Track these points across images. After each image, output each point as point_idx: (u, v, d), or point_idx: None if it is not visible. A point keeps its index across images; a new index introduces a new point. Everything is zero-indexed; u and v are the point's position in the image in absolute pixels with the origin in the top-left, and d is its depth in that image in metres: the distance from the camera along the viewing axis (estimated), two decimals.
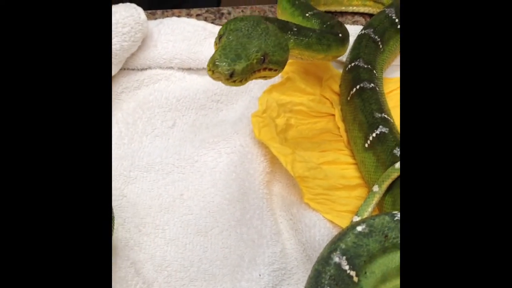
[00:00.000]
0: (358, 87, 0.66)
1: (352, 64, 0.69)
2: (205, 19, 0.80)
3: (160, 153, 0.63)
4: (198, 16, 0.81)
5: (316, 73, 0.73)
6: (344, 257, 0.43)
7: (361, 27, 0.76)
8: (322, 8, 0.80)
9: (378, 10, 0.80)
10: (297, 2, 0.72)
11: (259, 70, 0.50)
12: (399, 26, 0.73)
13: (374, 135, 0.61)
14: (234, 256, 0.56)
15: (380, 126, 0.61)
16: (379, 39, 0.71)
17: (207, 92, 0.70)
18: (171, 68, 0.72)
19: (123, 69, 0.71)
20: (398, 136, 0.61)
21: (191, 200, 0.60)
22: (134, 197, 0.60)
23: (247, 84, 0.50)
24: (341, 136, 0.67)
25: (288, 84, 0.70)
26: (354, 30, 0.74)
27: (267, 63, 0.50)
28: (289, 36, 0.58)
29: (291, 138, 0.65)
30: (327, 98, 0.71)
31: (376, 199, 0.57)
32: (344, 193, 0.61)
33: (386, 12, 0.74)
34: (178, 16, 0.79)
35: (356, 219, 0.56)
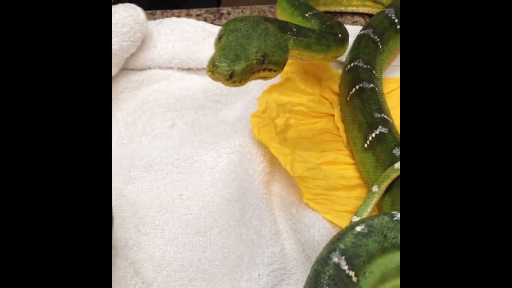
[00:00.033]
0: (357, 87, 0.66)
1: (352, 64, 0.69)
2: (205, 19, 0.80)
3: (159, 153, 0.63)
4: (197, 16, 0.81)
5: (316, 73, 0.73)
6: (343, 257, 0.43)
7: (361, 27, 0.76)
8: (322, 8, 0.80)
9: (378, 10, 0.80)
10: (296, 3, 0.72)
11: (258, 71, 0.50)
12: (398, 27, 0.73)
13: (373, 135, 0.61)
14: (233, 256, 0.56)
15: (380, 126, 0.61)
16: (378, 39, 0.71)
17: (207, 92, 0.70)
18: (171, 68, 0.72)
19: (122, 69, 0.71)
20: (398, 136, 0.61)
21: (190, 200, 0.59)
22: (133, 197, 0.59)
23: (246, 84, 0.50)
24: (340, 136, 0.67)
25: (287, 84, 0.70)
26: (353, 30, 0.74)
27: (267, 64, 0.50)
28: (289, 36, 0.58)
29: (291, 138, 0.65)
30: (326, 98, 0.71)
31: (375, 199, 0.57)
32: (344, 193, 0.61)
33: (386, 12, 0.75)
34: (178, 16, 0.79)
35: (356, 219, 0.56)
